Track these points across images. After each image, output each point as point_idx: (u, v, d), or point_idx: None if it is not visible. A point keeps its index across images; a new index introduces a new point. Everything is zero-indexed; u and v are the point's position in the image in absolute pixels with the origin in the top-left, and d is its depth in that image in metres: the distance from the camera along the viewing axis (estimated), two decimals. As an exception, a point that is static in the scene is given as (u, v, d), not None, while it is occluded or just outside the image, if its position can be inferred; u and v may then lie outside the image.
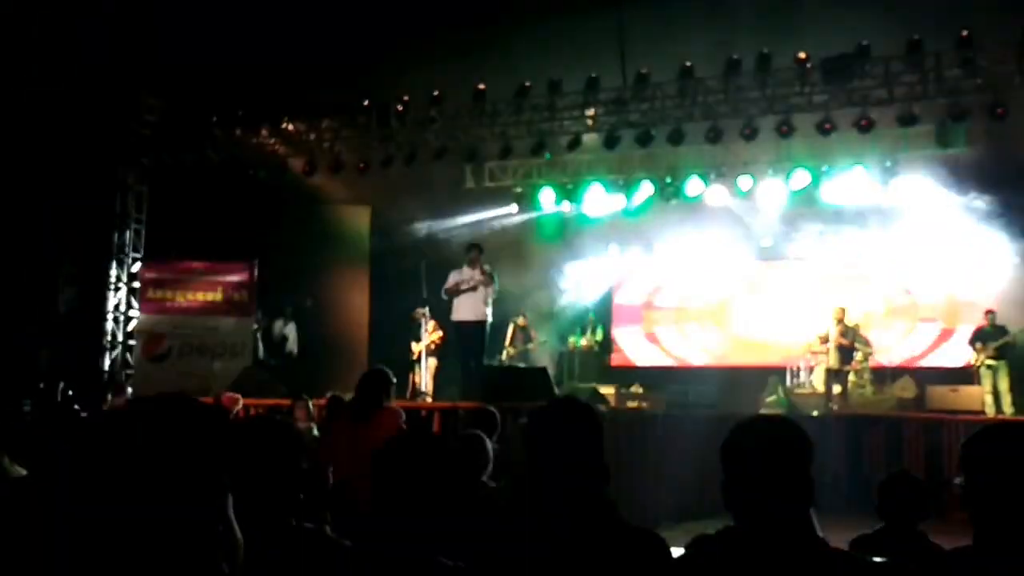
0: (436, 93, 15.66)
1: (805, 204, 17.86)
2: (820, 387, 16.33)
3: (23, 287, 15.42)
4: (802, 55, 13.69)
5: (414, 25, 14.89)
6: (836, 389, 15.51)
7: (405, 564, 2.48)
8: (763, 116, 14.40)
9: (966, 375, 15.06)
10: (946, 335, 18.26)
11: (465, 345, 12.58)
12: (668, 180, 16.87)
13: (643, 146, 15.40)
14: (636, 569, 2.53)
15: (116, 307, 15.92)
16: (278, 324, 16.56)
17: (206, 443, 2.48)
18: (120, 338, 15.88)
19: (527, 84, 15.20)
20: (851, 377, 16.01)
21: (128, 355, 15.81)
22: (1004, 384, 14.13)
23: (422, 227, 17.75)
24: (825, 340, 15.61)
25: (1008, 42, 12.98)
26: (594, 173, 17.68)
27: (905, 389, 16.08)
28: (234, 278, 15.88)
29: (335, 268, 18.48)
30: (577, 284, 20.47)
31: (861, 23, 13.29)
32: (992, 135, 14.19)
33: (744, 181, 16.49)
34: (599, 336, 19.29)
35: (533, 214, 18.72)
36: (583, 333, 19.22)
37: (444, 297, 12.54)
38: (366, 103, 15.88)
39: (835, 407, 14.72)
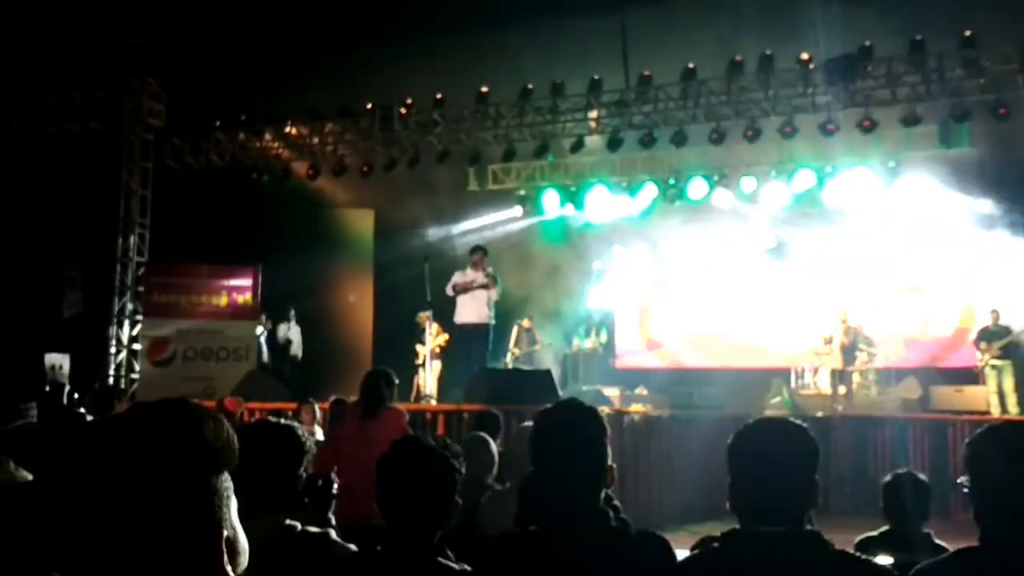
0: (439, 96, 15.68)
1: (809, 205, 17.85)
2: (825, 388, 16.31)
3: (28, 291, 15.44)
4: (805, 56, 13.70)
5: (416, 28, 14.91)
6: (841, 390, 15.49)
7: (410, 568, 2.49)
8: (766, 117, 14.41)
9: (971, 375, 15.03)
10: (954, 337, 18.23)
11: (468, 347, 12.57)
12: (671, 182, 16.87)
13: (646, 148, 15.41)
14: (641, 572, 2.53)
15: (121, 311, 15.93)
16: (282, 328, 16.56)
17: (207, 447, 2.48)
18: (125, 342, 15.89)
19: (530, 86, 15.22)
20: (856, 378, 15.98)
21: (133, 359, 15.82)
22: (1009, 384, 14.10)
23: (426, 229, 17.75)
24: (829, 341, 15.60)
25: (1011, 42, 12.98)
26: (597, 175, 17.70)
27: (910, 390, 16.04)
28: (238, 282, 15.88)
29: (339, 271, 18.49)
30: (581, 286, 20.45)
31: (864, 23, 13.29)
32: (995, 135, 14.18)
33: (747, 182, 16.49)
34: (603, 338, 19.27)
35: (537, 219, 18.75)
36: (587, 335, 19.21)
37: (451, 294, 12.51)
38: (369, 106, 15.90)
39: (840, 408, 14.70)
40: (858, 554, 2.65)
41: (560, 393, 12.02)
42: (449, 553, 2.58)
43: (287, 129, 16.86)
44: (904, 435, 12.97)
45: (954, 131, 14.65)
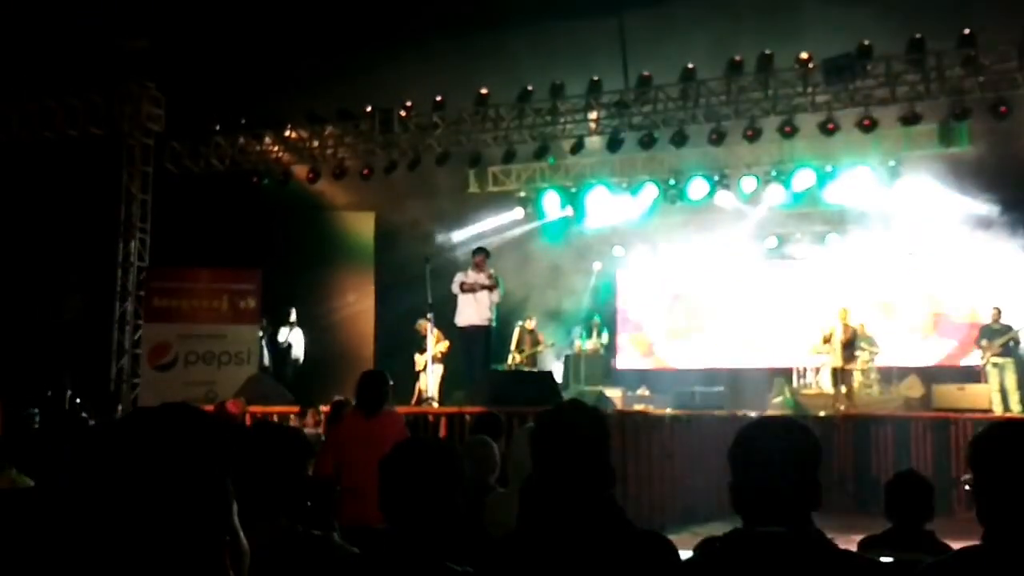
0: (438, 98, 15.68)
1: (809, 205, 17.87)
2: (826, 388, 16.30)
3: (29, 297, 15.45)
4: (804, 55, 13.69)
5: (415, 31, 14.92)
6: (842, 389, 15.48)
7: (413, 570, 2.49)
8: (766, 117, 14.40)
9: (973, 373, 15.02)
10: (955, 337, 18.25)
11: (470, 349, 12.56)
12: (671, 182, 16.88)
13: (646, 149, 15.41)
14: (644, 572, 2.53)
15: (122, 316, 15.93)
16: (283, 331, 16.56)
17: (209, 452, 2.48)
18: (127, 347, 15.89)
19: (529, 88, 15.22)
20: (858, 377, 15.97)
21: (135, 364, 15.82)
22: (1011, 382, 14.08)
23: (426, 231, 17.74)
24: (828, 340, 15.59)
25: (1010, 40, 12.98)
26: (597, 176, 17.71)
27: (912, 388, 16.04)
28: (239, 286, 15.88)
29: (340, 274, 18.49)
30: (582, 287, 20.47)
31: (862, 22, 13.28)
32: (995, 133, 14.18)
33: (748, 182, 16.49)
34: (605, 339, 19.28)
35: (538, 223, 18.77)
36: (589, 336, 19.22)
37: (457, 292, 12.48)
38: (369, 109, 15.90)
39: (842, 407, 14.70)
40: (861, 554, 2.65)
41: (562, 395, 12.02)
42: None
43: (287, 133, 16.87)
44: (906, 434, 12.94)
45: (954, 130, 14.65)
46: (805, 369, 17.68)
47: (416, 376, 14.69)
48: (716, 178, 16.52)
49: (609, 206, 17.84)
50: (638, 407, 15.38)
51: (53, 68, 14.95)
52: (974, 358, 15.29)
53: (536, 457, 2.73)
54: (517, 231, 18.95)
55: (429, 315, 12.87)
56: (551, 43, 15.05)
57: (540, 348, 17.20)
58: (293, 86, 16.00)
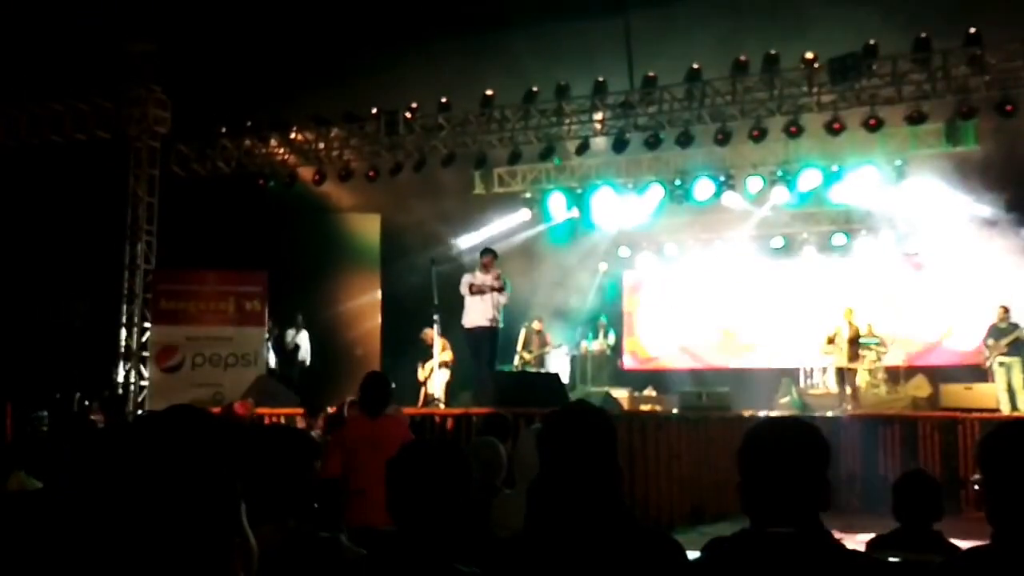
0: (444, 100, 15.69)
1: (815, 205, 17.86)
2: (833, 387, 16.29)
3: (36, 300, 15.49)
4: (809, 55, 13.67)
5: (420, 32, 14.93)
6: (847, 389, 15.46)
7: (421, 571, 2.49)
8: (771, 117, 14.39)
9: (980, 373, 14.99)
10: (962, 336, 18.21)
11: (476, 350, 12.54)
12: (677, 183, 16.86)
13: (651, 149, 15.40)
14: (652, 573, 2.53)
15: (129, 319, 15.96)
16: (290, 333, 16.58)
17: (216, 453, 2.49)
18: (134, 349, 15.92)
19: (534, 89, 15.22)
20: (865, 377, 15.95)
21: (142, 366, 15.85)
22: (1018, 380, 14.04)
23: (432, 233, 17.75)
24: (832, 340, 15.57)
25: (1016, 38, 12.95)
26: (603, 177, 17.70)
27: (919, 388, 16.02)
28: (246, 288, 15.90)
29: (346, 276, 18.51)
30: (588, 288, 20.48)
31: (868, 22, 13.26)
32: (1002, 132, 14.15)
33: (753, 182, 16.48)
34: (611, 340, 19.28)
35: (544, 226, 18.78)
36: (595, 337, 19.22)
37: (466, 294, 12.47)
38: (374, 111, 15.91)
39: (849, 407, 14.68)
40: (870, 554, 2.65)
41: (568, 395, 12.02)
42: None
43: (293, 135, 16.91)
44: (914, 434, 12.92)
45: (960, 129, 14.62)
46: (812, 369, 17.66)
47: (423, 384, 14.70)
48: (722, 178, 16.50)
49: (615, 207, 17.83)
50: (645, 408, 15.37)
51: (60, 72, 14.99)
52: (981, 357, 15.26)
53: (543, 458, 2.74)
54: (524, 234, 18.94)
55: (435, 316, 12.87)
56: (556, 44, 15.05)
57: (548, 349, 17.20)
58: (299, 88, 16.03)
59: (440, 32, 15.07)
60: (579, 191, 17.94)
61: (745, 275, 20.06)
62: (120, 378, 15.67)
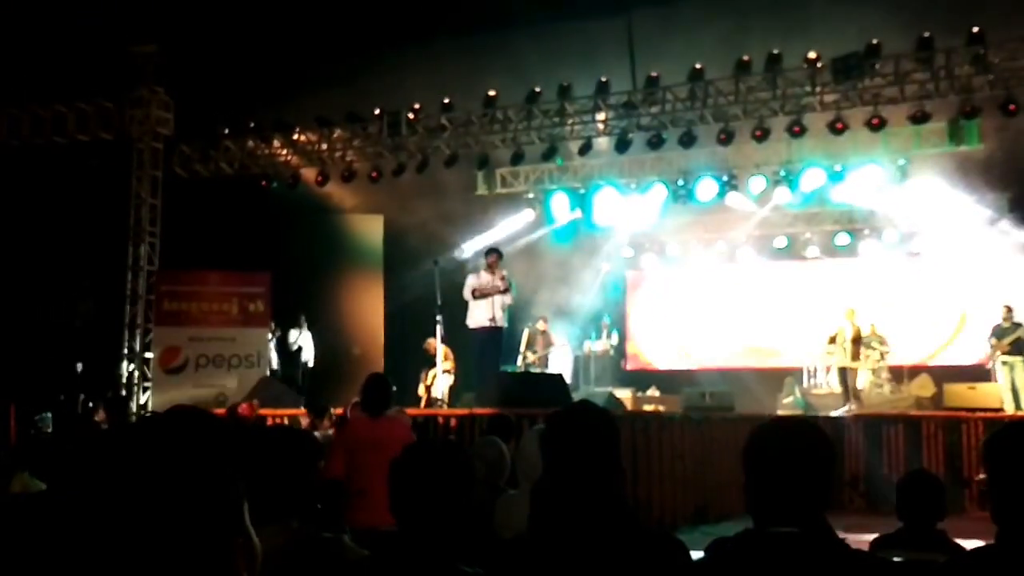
0: (446, 100, 15.69)
1: (818, 204, 17.85)
2: (837, 388, 16.27)
3: (40, 301, 15.50)
4: (812, 54, 13.66)
5: (423, 33, 14.93)
6: (850, 389, 15.44)
7: (424, 572, 2.49)
8: (774, 117, 14.37)
9: (984, 373, 14.98)
10: (966, 336, 18.21)
11: (481, 350, 12.53)
12: (680, 183, 16.86)
13: (654, 149, 15.39)
14: (656, 573, 2.53)
15: (132, 320, 15.97)
16: (293, 334, 16.59)
17: (219, 454, 2.49)
18: (137, 350, 15.93)
19: (537, 89, 15.21)
20: (869, 376, 15.93)
21: (145, 367, 15.86)
22: (1021, 380, 14.01)
23: (434, 234, 17.75)
24: (833, 340, 15.55)
25: (1019, 37, 12.93)
26: (606, 177, 17.70)
27: (923, 387, 16.00)
28: (249, 289, 15.92)
29: (349, 277, 18.52)
30: (591, 288, 20.47)
31: (871, 21, 13.25)
32: (1005, 131, 14.13)
33: (756, 182, 16.47)
34: (615, 340, 19.28)
35: (547, 228, 18.78)
36: (598, 337, 19.22)
37: (470, 298, 12.47)
38: (377, 112, 15.92)
39: (853, 407, 14.67)
40: (873, 554, 2.64)
41: (572, 396, 12.02)
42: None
43: (296, 136, 16.91)
44: (918, 433, 12.91)
45: (963, 128, 14.60)
46: (815, 369, 17.65)
47: (427, 390, 14.67)
48: (725, 178, 16.50)
49: (618, 207, 17.83)
50: (648, 408, 15.36)
51: (63, 73, 15.01)
52: (981, 355, 15.24)
53: (546, 458, 2.73)
54: (526, 234, 18.93)
55: (438, 317, 12.86)
56: (558, 44, 15.05)
57: (552, 349, 17.20)
58: (301, 89, 16.04)
59: (442, 33, 15.07)
60: (582, 191, 17.94)
61: (748, 275, 20.05)
62: (124, 379, 15.68)
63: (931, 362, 17.84)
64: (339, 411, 10.36)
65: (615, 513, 2.60)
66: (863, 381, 15.86)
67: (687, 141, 14.84)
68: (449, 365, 14.20)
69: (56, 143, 15.85)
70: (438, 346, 13.10)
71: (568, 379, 14.57)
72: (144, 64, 15.70)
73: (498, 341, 12.57)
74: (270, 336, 16.08)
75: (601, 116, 15.34)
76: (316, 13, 14.98)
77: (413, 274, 16.13)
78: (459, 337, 13.53)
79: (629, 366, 20.75)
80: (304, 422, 10.44)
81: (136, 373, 15.77)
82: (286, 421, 11.10)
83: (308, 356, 16.68)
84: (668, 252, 20.56)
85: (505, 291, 12.29)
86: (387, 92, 15.70)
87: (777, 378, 17.64)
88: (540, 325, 17.16)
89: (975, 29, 12.90)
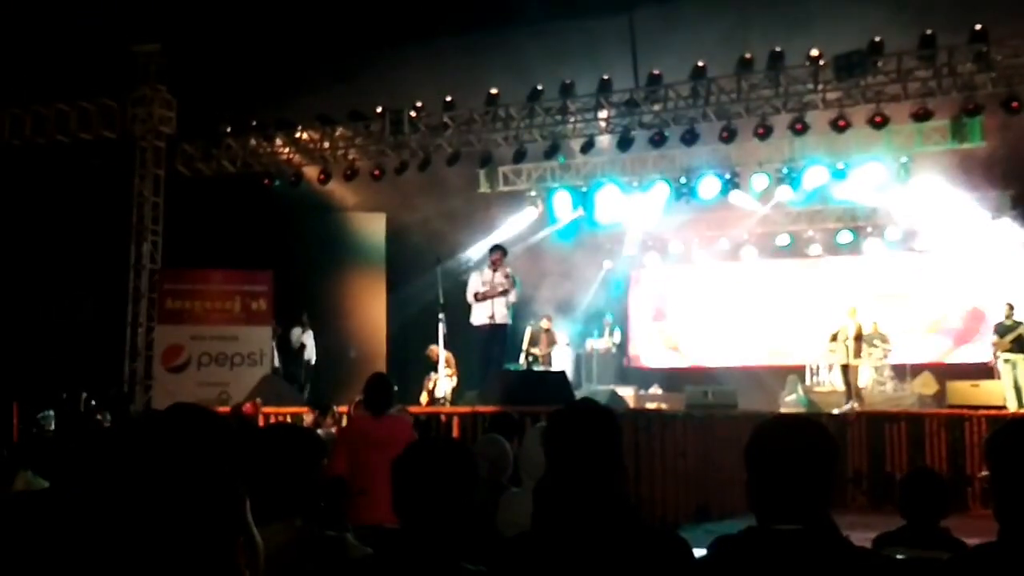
0: (448, 99, 15.69)
1: (820, 202, 17.83)
2: (839, 385, 16.26)
3: (42, 300, 15.52)
4: (815, 52, 13.65)
5: (425, 31, 14.93)
6: (851, 386, 15.42)
7: (427, 570, 2.49)
8: (776, 114, 14.36)
9: (987, 370, 14.96)
10: (967, 331, 18.19)
11: (485, 349, 12.52)
12: (682, 181, 16.84)
13: (656, 147, 15.39)
14: (658, 570, 2.53)
15: (135, 318, 15.99)
16: (295, 332, 16.60)
17: (219, 451, 2.49)
18: (140, 349, 15.95)
19: (539, 87, 15.21)
20: (871, 374, 15.92)
21: (148, 366, 15.88)
22: (1024, 378, 14.00)
23: (437, 232, 17.75)
24: (835, 338, 15.54)
25: (1022, 35, 12.92)
26: (608, 175, 17.69)
27: (926, 385, 15.99)
28: (251, 287, 15.93)
29: (351, 275, 18.52)
30: (593, 285, 20.47)
31: (873, 18, 13.24)
32: (1007, 129, 14.12)
33: (759, 180, 16.46)
34: (617, 338, 19.27)
35: (550, 229, 18.77)
36: (601, 335, 19.21)
37: (472, 302, 12.45)
38: (379, 110, 15.92)
39: (855, 405, 14.65)
40: (876, 551, 2.64)
41: (574, 393, 12.01)
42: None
43: (298, 134, 16.92)
44: (920, 431, 12.91)
45: (966, 125, 14.58)
46: (818, 367, 17.63)
47: (429, 394, 14.66)
48: (727, 176, 16.48)
49: (620, 205, 17.82)
50: (651, 406, 15.35)
51: (66, 72, 15.02)
52: (986, 354, 15.22)
53: (548, 456, 2.73)
54: (528, 231, 18.92)
55: (440, 315, 12.82)
56: (561, 42, 15.04)
57: (556, 347, 17.18)
58: (303, 88, 16.04)
59: (444, 31, 15.07)
60: (584, 189, 17.93)
61: (750, 273, 20.04)
62: (126, 378, 15.70)
63: (933, 360, 17.82)
64: (343, 409, 10.38)
65: (617, 511, 2.60)
66: (866, 379, 15.85)
67: (689, 139, 14.82)
68: (451, 371, 14.19)
69: (59, 142, 15.87)
70: (440, 352, 13.06)
71: (569, 377, 14.55)
72: (147, 63, 15.72)
73: (501, 338, 12.56)
74: (272, 334, 16.08)
75: (603, 114, 15.34)
76: (318, 12, 14.98)
77: (415, 272, 16.13)
78: (462, 335, 13.52)
79: (631, 364, 20.74)
80: (307, 420, 10.45)
81: (139, 371, 15.79)
82: (289, 419, 11.10)
83: (311, 354, 16.69)
84: (670, 250, 20.54)
85: (505, 292, 12.26)
86: (389, 90, 15.71)
87: (780, 376, 17.62)
88: (544, 323, 17.16)
89: (977, 26, 12.89)
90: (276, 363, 16.09)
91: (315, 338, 16.78)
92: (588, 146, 15.69)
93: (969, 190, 16.21)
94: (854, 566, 2.38)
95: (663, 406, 15.17)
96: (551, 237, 19.04)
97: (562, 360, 17.51)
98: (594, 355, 18.93)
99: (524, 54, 14.81)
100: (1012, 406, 13.67)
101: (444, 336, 12.79)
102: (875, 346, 15.86)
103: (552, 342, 17.01)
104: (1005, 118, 13.50)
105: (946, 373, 15.89)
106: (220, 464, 2.43)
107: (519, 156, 16.26)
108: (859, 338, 15.34)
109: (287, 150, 17.12)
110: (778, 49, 13.78)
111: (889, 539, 4.33)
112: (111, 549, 2.30)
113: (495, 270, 12.38)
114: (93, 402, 12.82)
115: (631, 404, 15.02)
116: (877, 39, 13.20)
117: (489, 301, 12.24)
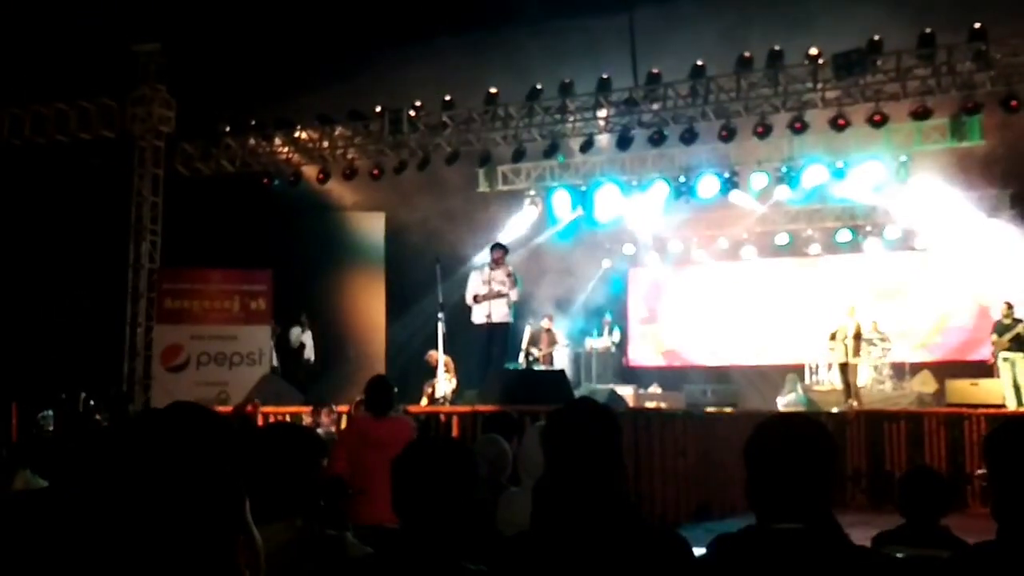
0: (447, 98, 15.68)
1: (819, 201, 17.84)
2: (838, 384, 16.28)
3: (41, 299, 15.50)
4: (814, 51, 13.65)
5: (424, 30, 14.93)
6: (849, 385, 15.44)
7: (427, 569, 2.49)
8: (776, 113, 14.36)
9: (986, 369, 14.97)
10: (970, 331, 18.20)
11: (487, 347, 12.50)
12: (682, 180, 16.84)
13: (656, 146, 15.38)
14: (658, 569, 2.53)
15: (134, 318, 15.98)
16: (295, 332, 16.59)
17: (218, 450, 2.49)
18: (139, 348, 15.94)
19: (538, 87, 15.20)
20: (871, 373, 15.93)
21: (147, 365, 15.87)
22: (1023, 376, 14.00)
23: (436, 231, 17.74)
24: (834, 337, 15.56)
25: (1021, 33, 12.92)
26: (607, 174, 17.69)
27: (925, 384, 16.00)
28: (250, 287, 15.93)
29: (350, 274, 18.52)
30: (592, 285, 20.47)
31: (872, 17, 13.24)
32: (1006, 127, 14.12)
33: (758, 179, 16.46)
34: (616, 337, 19.27)
35: (550, 230, 18.76)
36: (600, 334, 19.21)
37: (471, 304, 12.43)
38: (378, 109, 15.92)
39: (855, 404, 14.67)
40: (876, 549, 2.64)
41: (573, 392, 12.01)
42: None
43: (297, 134, 16.91)
44: (920, 429, 12.91)
45: (965, 124, 14.58)
46: (817, 366, 17.65)
47: (427, 377, 14.64)
48: (726, 175, 16.48)
49: (619, 204, 17.82)
50: (650, 404, 15.36)
51: (65, 72, 15.01)
52: (985, 353, 15.23)
53: (548, 455, 2.73)
54: (527, 230, 18.91)
55: (440, 315, 12.80)
56: (560, 41, 15.04)
57: (557, 346, 17.18)
58: (302, 87, 16.03)
59: (444, 30, 15.06)
60: (583, 188, 17.93)
61: (750, 272, 20.05)
62: (125, 377, 15.69)
63: (932, 358, 17.82)
64: (343, 408, 10.38)
65: (617, 510, 2.60)
66: (865, 378, 15.86)
67: (688, 138, 14.82)
68: (450, 375, 14.17)
69: (58, 141, 15.86)
70: (439, 357, 13.03)
71: (568, 376, 14.54)
72: (146, 62, 15.71)
73: (501, 338, 12.54)
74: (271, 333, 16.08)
75: (602, 113, 15.33)
76: (317, 11, 14.98)
77: (414, 271, 16.12)
78: (462, 335, 13.51)
79: (631, 363, 20.75)
80: (307, 419, 10.45)
81: (138, 371, 15.78)
82: (288, 418, 11.10)
83: (310, 354, 16.68)
84: (670, 249, 20.54)
85: (503, 294, 12.23)
86: (388, 89, 15.70)
87: (779, 375, 17.64)
88: (545, 323, 17.15)
89: (976, 25, 12.89)
90: (275, 363, 16.08)
91: (314, 338, 16.77)
92: (587, 145, 15.69)
93: (968, 189, 16.21)
94: (854, 565, 2.38)
95: (663, 405, 15.18)
96: (550, 236, 19.04)
97: (561, 359, 17.51)
98: (593, 354, 18.94)
99: (523, 53, 14.81)
100: (1011, 405, 13.68)
101: (443, 337, 12.77)
102: (874, 345, 15.86)
103: (553, 342, 17.00)
104: (1004, 117, 13.49)
105: (945, 371, 15.90)
106: (220, 463, 2.43)
107: (518, 155, 16.25)
108: (858, 337, 15.36)
109: (286, 149, 17.11)
110: (777, 48, 13.78)
111: (889, 538, 4.33)
112: (111, 549, 2.30)
113: (496, 269, 12.37)
114: (92, 402, 12.81)
115: (631, 403, 15.02)
116: (876, 38, 13.20)
117: (494, 301, 12.22)
